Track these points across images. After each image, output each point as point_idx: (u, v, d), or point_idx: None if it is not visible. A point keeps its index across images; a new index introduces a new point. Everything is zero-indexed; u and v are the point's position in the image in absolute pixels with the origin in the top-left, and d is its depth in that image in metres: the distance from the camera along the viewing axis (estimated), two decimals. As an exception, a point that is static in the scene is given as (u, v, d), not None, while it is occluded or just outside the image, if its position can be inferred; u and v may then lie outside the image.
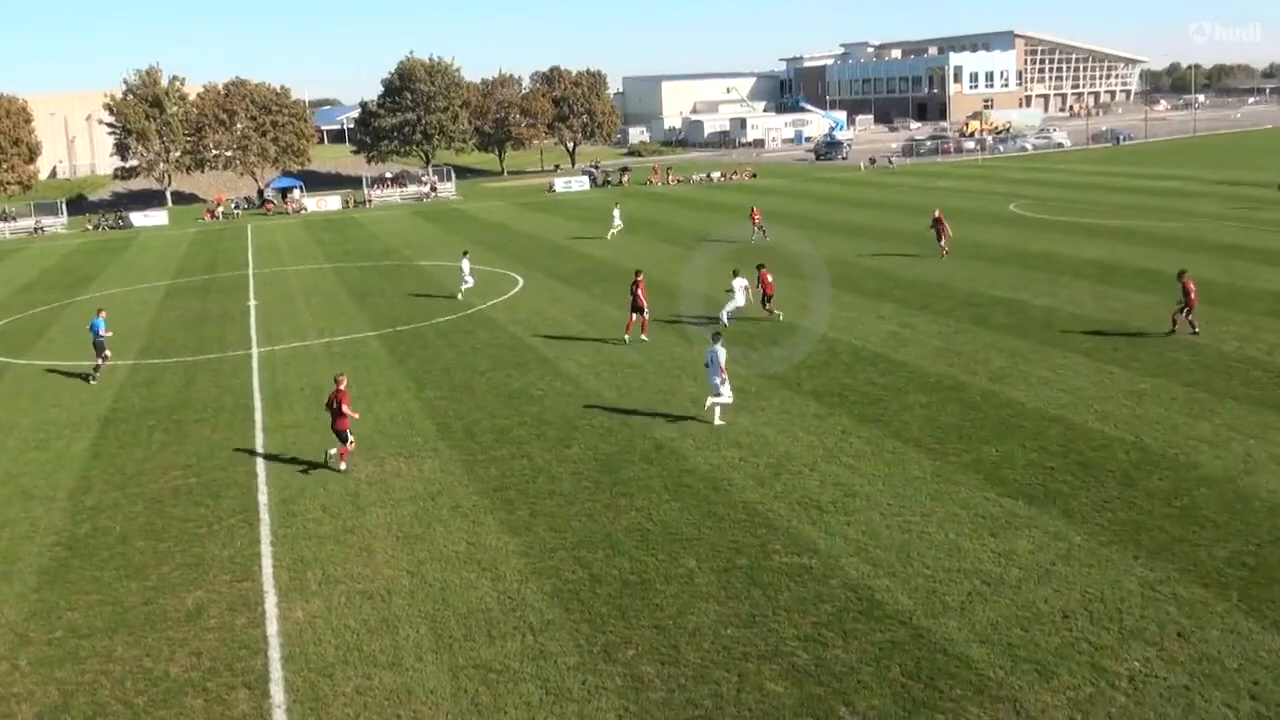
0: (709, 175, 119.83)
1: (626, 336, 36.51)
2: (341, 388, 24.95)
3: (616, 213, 67.99)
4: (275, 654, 16.66)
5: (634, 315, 36.60)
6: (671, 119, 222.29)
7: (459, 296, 46.98)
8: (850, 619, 16.67)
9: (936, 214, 53.00)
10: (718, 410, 27.04)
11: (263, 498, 23.63)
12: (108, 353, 35.87)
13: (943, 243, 51.50)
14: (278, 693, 15.58)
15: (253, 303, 50.08)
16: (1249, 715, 13.74)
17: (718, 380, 26.78)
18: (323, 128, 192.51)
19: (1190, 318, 33.30)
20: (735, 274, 38.94)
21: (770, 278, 39.10)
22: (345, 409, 24.77)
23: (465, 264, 47.89)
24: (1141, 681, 14.59)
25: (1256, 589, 16.98)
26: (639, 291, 36.22)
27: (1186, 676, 14.66)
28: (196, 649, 16.96)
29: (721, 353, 26.82)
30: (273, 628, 17.53)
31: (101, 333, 35.56)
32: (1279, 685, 14.32)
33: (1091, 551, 18.62)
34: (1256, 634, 15.64)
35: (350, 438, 25.10)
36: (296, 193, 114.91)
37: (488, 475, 24.21)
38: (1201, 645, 15.41)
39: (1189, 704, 14.03)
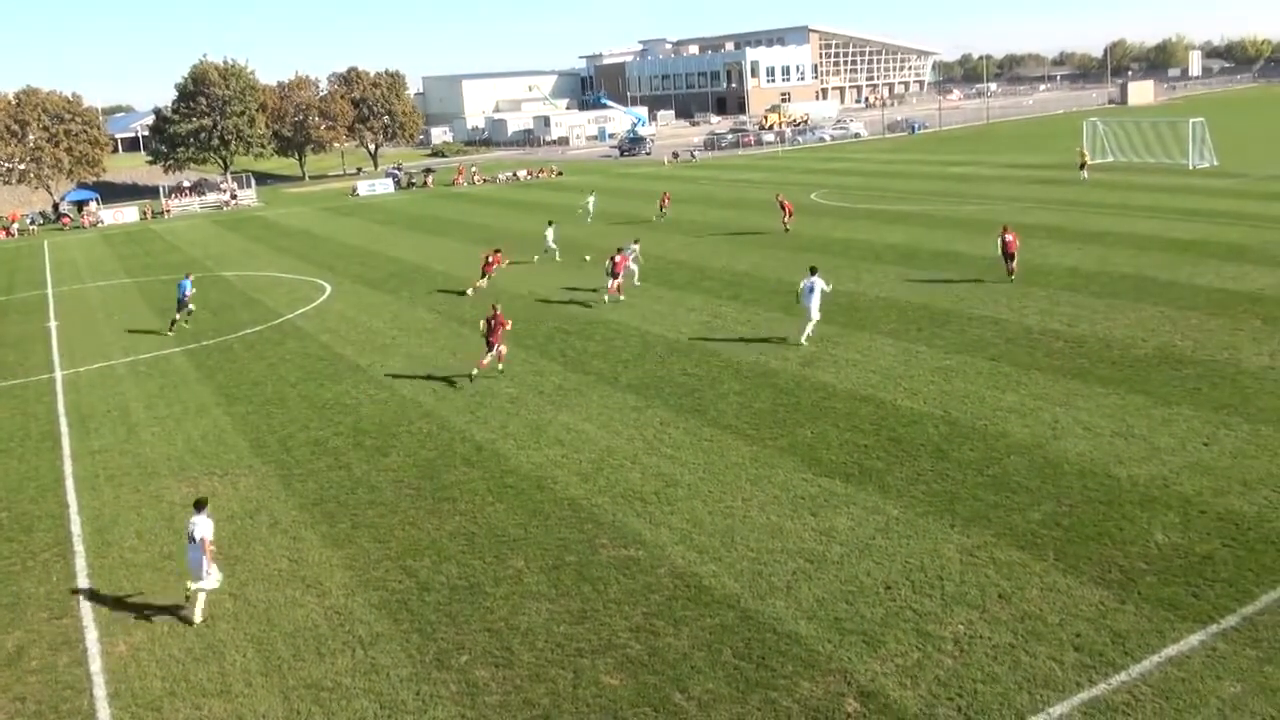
0: (515, 174, 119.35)
1: (607, 297, 41.26)
2: (499, 313, 30.92)
3: (590, 200, 69.39)
4: (100, 692, 15.93)
5: (612, 280, 41.27)
6: (474, 118, 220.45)
7: (535, 260, 52.61)
8: (680, 607, 16.87)
9: (779, 197, 61.04)
10: (809, 329, 31.99)
11: (75, 529, 22.50)
12: (190, 307, 43.46)
13: (787, 219, 57.73)
14: (105, 731, 14.93)
15: (53, 323, 47.65)
16: (1073, 666, 14.42)
17: (812, 305, 31.69)
18: (117, 136, 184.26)
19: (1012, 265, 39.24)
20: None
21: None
22: (507, 326, 31.02)
23: (550, 232, 53.34)
24: (967, 643, 15.17)
25: (1071, 547, 17.85)
26: (620, 261, 41.41)
27: (1010, 635, 15.30)
28: (20, 694, 16.09)
29: (819, 282, 31.91)
30: (96, 665, 16.76)
31: (187, 293, 42.80)
32: (1100, 635, 15.07)
33: (909, 523, 19.26)
34: (1075, 589, 16.44)
35: (503, 349, 31.21)
36: (93, 205, 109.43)
37: (306, 489, 23.64)
38: (1022, 604, 16.11)
39: (1015, 661, 14.65)
